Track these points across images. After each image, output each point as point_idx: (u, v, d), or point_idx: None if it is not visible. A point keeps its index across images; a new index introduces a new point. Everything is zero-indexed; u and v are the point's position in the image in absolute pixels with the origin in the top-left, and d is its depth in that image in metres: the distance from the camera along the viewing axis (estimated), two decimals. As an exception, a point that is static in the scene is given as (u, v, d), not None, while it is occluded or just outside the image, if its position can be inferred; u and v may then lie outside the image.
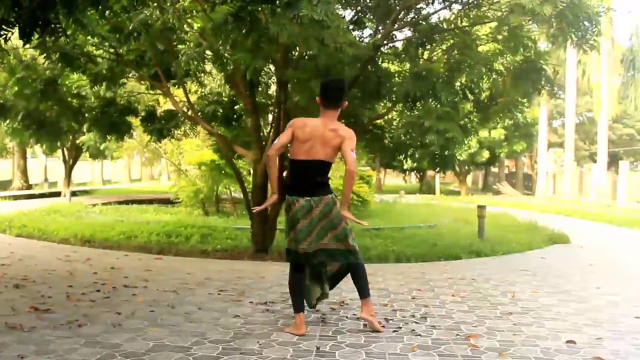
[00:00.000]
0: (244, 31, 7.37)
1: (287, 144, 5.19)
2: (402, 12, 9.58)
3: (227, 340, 4.75)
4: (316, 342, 4.74)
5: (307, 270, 5.29)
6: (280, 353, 4.45)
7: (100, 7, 5.26)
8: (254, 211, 5.99)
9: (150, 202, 21.35)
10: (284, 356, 4.39)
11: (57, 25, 5.18)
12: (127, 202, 20.72)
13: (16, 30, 5.02)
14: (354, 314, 5.75)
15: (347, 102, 5.38)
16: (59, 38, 5.71)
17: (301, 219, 5.04)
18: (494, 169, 46.69)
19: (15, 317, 5.20)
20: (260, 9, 7.03)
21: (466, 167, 37.35)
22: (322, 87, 5.34)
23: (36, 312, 5.43)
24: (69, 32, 9.40)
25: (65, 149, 24.75)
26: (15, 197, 22.35)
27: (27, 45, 5.72)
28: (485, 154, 34.54)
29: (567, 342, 4.91)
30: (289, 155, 5.30)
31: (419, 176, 44.22)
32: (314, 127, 5.08)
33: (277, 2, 6.73)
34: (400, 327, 5.29)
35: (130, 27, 8.57)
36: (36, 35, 5.16)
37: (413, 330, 5.20)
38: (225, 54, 8.87)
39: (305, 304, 5.31)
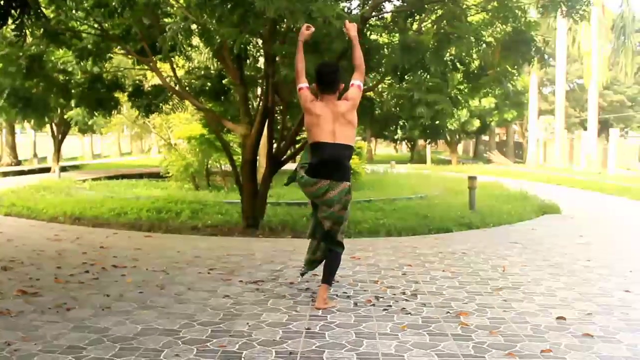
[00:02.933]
0: (229, 6, 7.28)
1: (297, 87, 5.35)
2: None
3: (217, 322, 4.71)
4: (306, 323, 4.71)
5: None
6: (270, 335, 4.42)
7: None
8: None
9: (140, 176, 21.29)
10: (273, 338, 4.36)
11: (35, 7, 5.06)
12: (117, 177, 20.66)
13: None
14: (344, 292, 5.74)
15: (343, 85, 5.37)
16: (38, 19, 5.57)
17: (321, 196, 5.12)
18: (485, 138, 46.70)
19: (3, 302, 5.15)
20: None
21: (457, 136, 37.34)
22: (315, 72, 5.32)
23: (24, 296, 5.37)
24: (50, 11, 9.35)
25: (53, 124, 24.56)
26: (4, 174, 22.22)
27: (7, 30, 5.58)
28: (476, 123, 34.53)
29: (557, 318, 4.91)
30: (309, 140, 5.27)
31: (409, 145, 44.15)
32: (323, 114, 5.11)
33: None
34: (391, 305, 5.27)
35: (114, 3, 8.43)
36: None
37: (403, 308, 5.18)
38: (211, 29, 8.76)
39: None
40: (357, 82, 5.25)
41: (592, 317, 4.99)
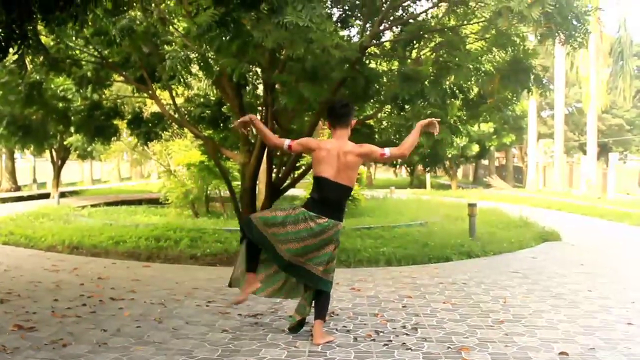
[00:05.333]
0: (228, 37, 7.28)
1: (284, 149, 5.34)
2: (390, 11, 9.50)
3: (214, 359, 4.65)
4: (305, 359, 4.65)
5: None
6: (269, 372, 4.37)
7: (78, 19, 5.12)
8: (233, 125, 5.79)
9: (139, 202, 21.23)
10: (272, 375, 4.31)
11: (35, 39, 5.07)
12: (116, 203, 20.57)
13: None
14: (344, 326, 5.68)
15: (356, 120, 5.50)
16: (38, 51, 5.58)
17: (317, 235, 5.05)
18: (484, 162, 46.68)
19: (-1, 337, 5.10)
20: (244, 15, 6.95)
21: (456, 162, 37.34)
22: (328, 110, 5.43)
23: (20, 331, 5.30)
24: (50, 39, 9.38)
25: (53, 150, 24.57)
26: (4, 200, 22.17)
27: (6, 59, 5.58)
28: (475, 148, 34.52)
29: (560, 353, 4.84)
30: (314, 173, 5.24)
31: (409, 170, 44.13)
32: (326, 148, 5.13)
33: (262, 8, 6.65)
34: (391, 340, 5.20)
35: (113, 33, 8.46)
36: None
37: (404, 343, 5.11)
38: (210, 58, 8.78)
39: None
40: (386, 150, 5.20)
41: (595, 352, 4.93)
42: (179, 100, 12.04)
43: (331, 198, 5.09)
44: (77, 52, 10.54)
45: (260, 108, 11.59)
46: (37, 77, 10.87)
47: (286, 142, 5.30)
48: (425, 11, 9.69)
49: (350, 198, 17.21)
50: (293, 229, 5.04)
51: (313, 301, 5.32)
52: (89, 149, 23.68)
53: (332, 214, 5.06)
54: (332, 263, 5.21)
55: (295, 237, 5.03)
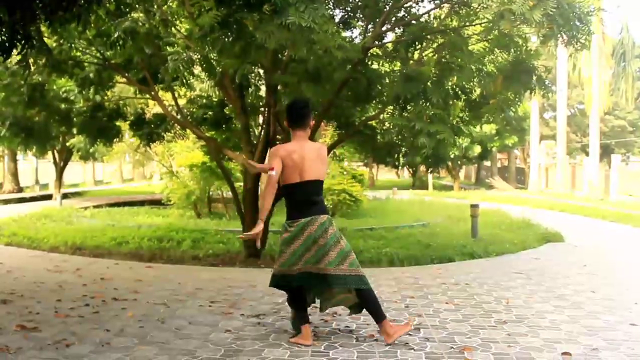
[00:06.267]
0: (230, 38, 7.29)
1: (274, 177, 5.29)
2: (392, 12, 9.50)
3: (217, 359, 4.65)
4: (308, 359, 4.65)
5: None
6: (272, 372, 4.37)
7: (81, 20, 5.13)
8: (241, 237, 5.97)
9: (142, 203, 21.26)
10: (275, 375, 4.31)
11: (37, 41, 5.08)
12: (118, 205, 20.59)
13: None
14: (347, 327, 5.68)
15: (314, 121, 5.55)
16: (42, 52, 5.59)
17: (296, 238, 5.05)
18: (487, 163, 46.61)
19: (2, 337, 5.08)
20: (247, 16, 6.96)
21: (458, 163, 37.28)
22: (287, 110, 5.43)
23: (23, 331, 5.30)
24: (53, 40, 9.40)
25: (55, 151, 24.61)
26: (6, 202, 22.19)
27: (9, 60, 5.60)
28: (477, 149, 34.44)
29: (563, 354, 4.83)
30: (280, 182, 5.23)
31: (411, 171, 44.10)
32: (295, 151, 5.14)
33: (264, 9, 6.65)
34: (394, 340, 5.20)
35: (116, 35, 8.47)
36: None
37: (407, 343, 5.10)
38: (213, 59, 8.79)
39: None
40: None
41: (598, 352, 4.92)
42: (182, 102, 12.04)
43: (307, 198, 5.14)
44: (80, 53, 10.55)
45: (262, 109, 11.59)
46: (40, 79, 10.87)
47: (270, 173, 5.15)
48: (428, 12, 9.68)
49: (352, 199, 17.41)
50: (299, 243, 5.06)
51: (316, 298, 5.48)
52: (91, 150, 23.66)
53: (316, 210, 5.11)
54: (351, 256, 5.16)
55: (306, 248, 5.05)
